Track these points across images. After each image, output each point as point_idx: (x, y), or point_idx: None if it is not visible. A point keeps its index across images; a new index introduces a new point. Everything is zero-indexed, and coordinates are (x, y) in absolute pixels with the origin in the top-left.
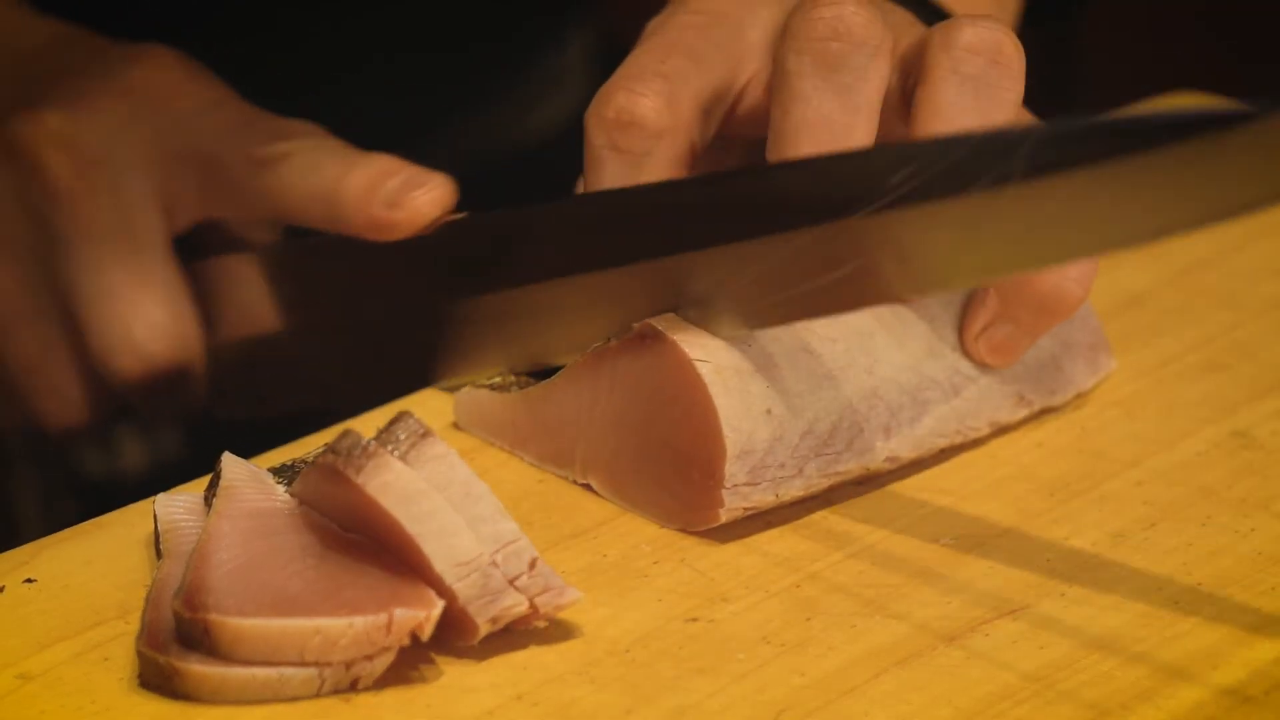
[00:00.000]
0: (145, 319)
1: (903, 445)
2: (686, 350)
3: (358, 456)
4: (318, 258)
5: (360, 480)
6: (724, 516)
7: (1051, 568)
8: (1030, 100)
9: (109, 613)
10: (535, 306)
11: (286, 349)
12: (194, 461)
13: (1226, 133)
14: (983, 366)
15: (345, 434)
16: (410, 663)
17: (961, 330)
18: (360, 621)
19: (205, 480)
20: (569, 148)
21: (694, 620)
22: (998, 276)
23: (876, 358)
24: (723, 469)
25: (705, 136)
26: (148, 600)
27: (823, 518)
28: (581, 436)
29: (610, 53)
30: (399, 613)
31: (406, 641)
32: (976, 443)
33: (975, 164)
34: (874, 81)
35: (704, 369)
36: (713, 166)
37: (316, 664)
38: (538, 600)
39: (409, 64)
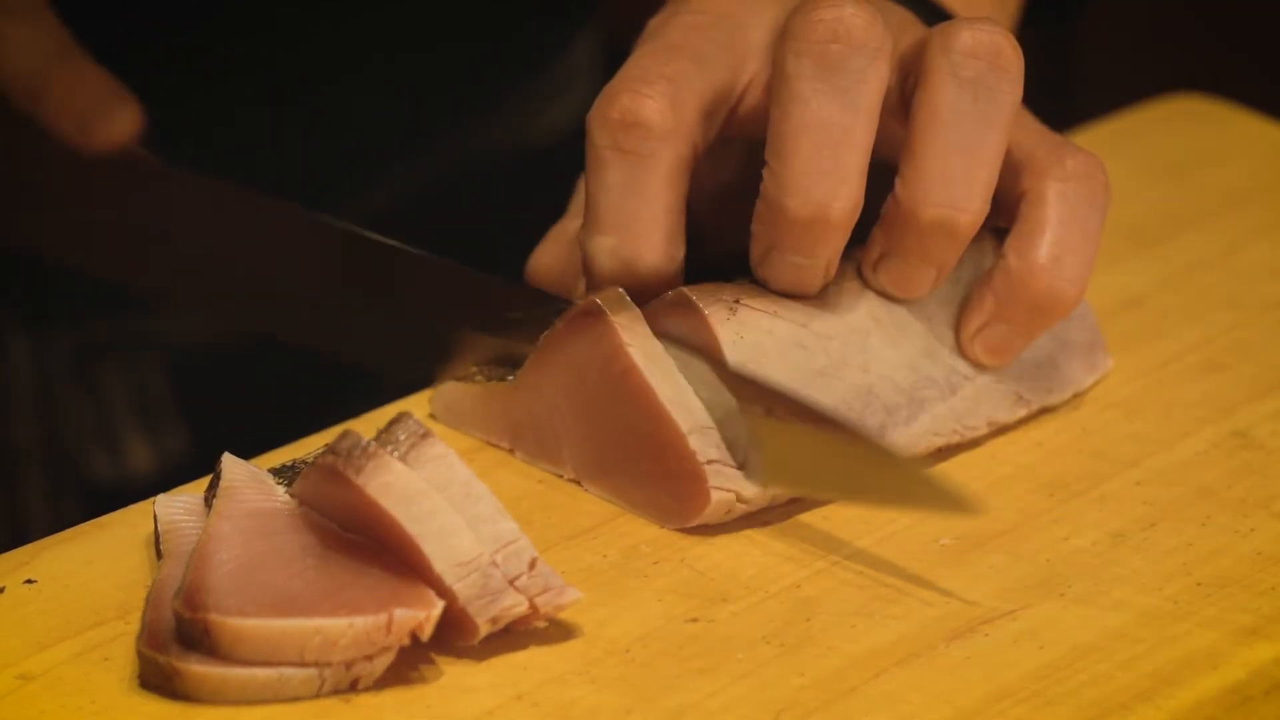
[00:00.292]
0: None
1: (898, 444)
2: (621, 334)
3: (358, 457)
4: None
5: (360, 481)
6: (714, 498)
7: (1051, 568)
8: (1030, 101)
9: (109, 613)
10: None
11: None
12: (194, 462)
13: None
14: (980, 366)
15: (345, 434)
16: (410, 663)
17: (958, 330)
18: (360, 622)
19: (205, 481)
20: (573, 149)
21: (694, 620)
22: None
23: (872, 356)
24: (687, 445)
25: (707, 138)
26: (148, 600)
27: (822, 518)
28: (561, 433)
29: (614, 55)
30: (399, 613)
31: (406, 642)
32: (975, 442)
33: None
34: (874, 84)
35: (634, 353)
36: (712, 167)
37: (316, 664)
38: (538, 600)
39: (412, 65)
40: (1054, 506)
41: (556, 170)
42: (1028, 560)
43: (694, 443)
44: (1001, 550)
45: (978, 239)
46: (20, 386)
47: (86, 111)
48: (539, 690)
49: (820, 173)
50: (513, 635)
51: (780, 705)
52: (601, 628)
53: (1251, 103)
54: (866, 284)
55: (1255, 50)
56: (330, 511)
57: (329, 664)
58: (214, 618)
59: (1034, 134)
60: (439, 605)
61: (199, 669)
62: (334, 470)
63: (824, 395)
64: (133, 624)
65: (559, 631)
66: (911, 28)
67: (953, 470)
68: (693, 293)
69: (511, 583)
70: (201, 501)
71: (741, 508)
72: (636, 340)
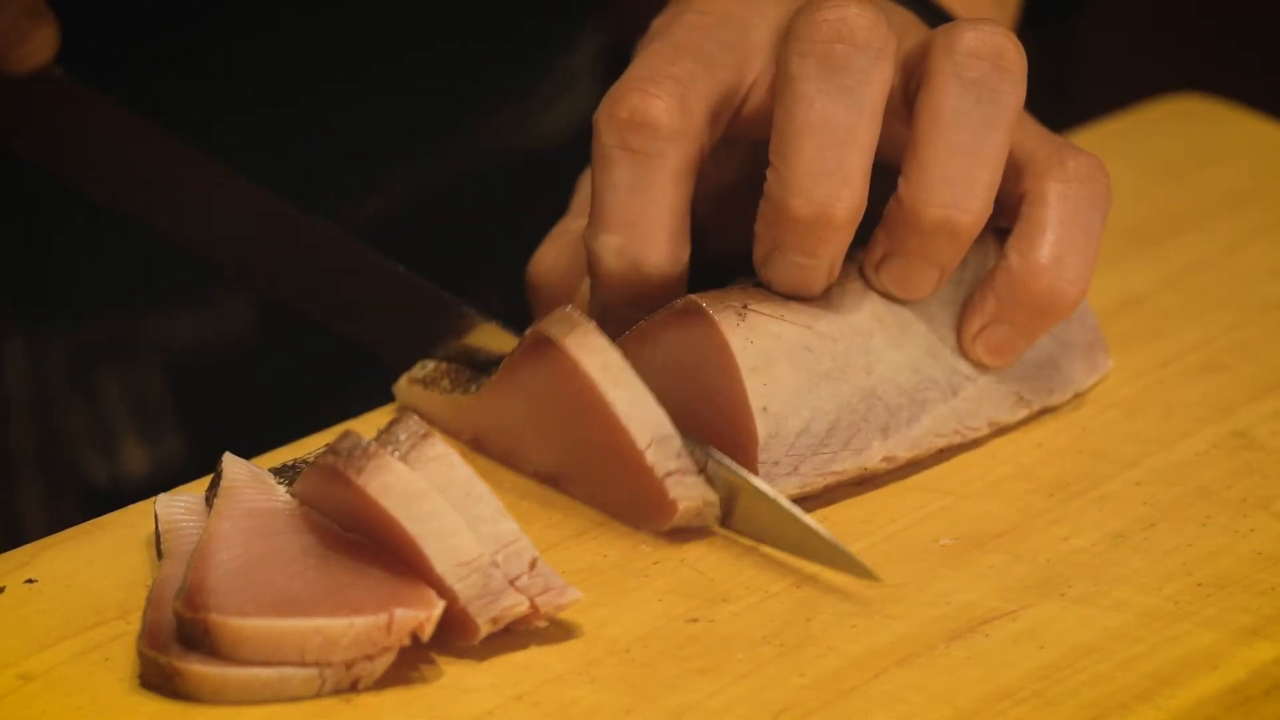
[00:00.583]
0: None
1: (900, 445)
2: (574, 354)
3: (358, 457)
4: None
5: (361, 481)
6: (681, 506)
7: (1051, 568)
8: (1030, 101)
9: (110, 613)
10: None
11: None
12: (191, 465)
13: None
14: (981, 367)
15: (345, 435)
16: (411, 663)
17: (959, 331)
18: (361, 622)
19: (206, 480)
20: (574, 150)
21: (694, 620)
22: None
23: (875, 357)
24: (644, 460)
25: (713, 139)
26: (149, 600)
27: (822, 518)
28: (528, 446)
29: (617, 56)
30: (399, 613)
31: (407, 642)
32: (976, 443)
33: None
34: (877, 84)
35: (590, 369)
36: (714, 168)
37: (317, 664)
38: (538, 600)
39: (413, 66)
40: (1054, 506)
41: (557, 171)
42: (1028, 560)
43: (651, 456)
44: (1001, 550)
45: (979, 240)
46: (16, 389)
47: (4, 32)
48: (539, 690)
49: (824, 173)
50: (513, 635)
51: (780, 705)
52: (601, 628)
53: (1251, 103)
54: (869, 285)
55: (1255, 50)
56: (331, 511)
57: (329, 664)
58: (215, 618)
59: (1035, 135)
60: (439, 605)
61: (200, 669)
62: (334, 470)
63: (829, 398)
64: (133, 624)
65: (559, 631)
66: (914, 29)
67: (953, 470)
68: (702, 299)
69: (512, 583)
70: (202, 501)
71: (714, 510)
72: (593, 355)
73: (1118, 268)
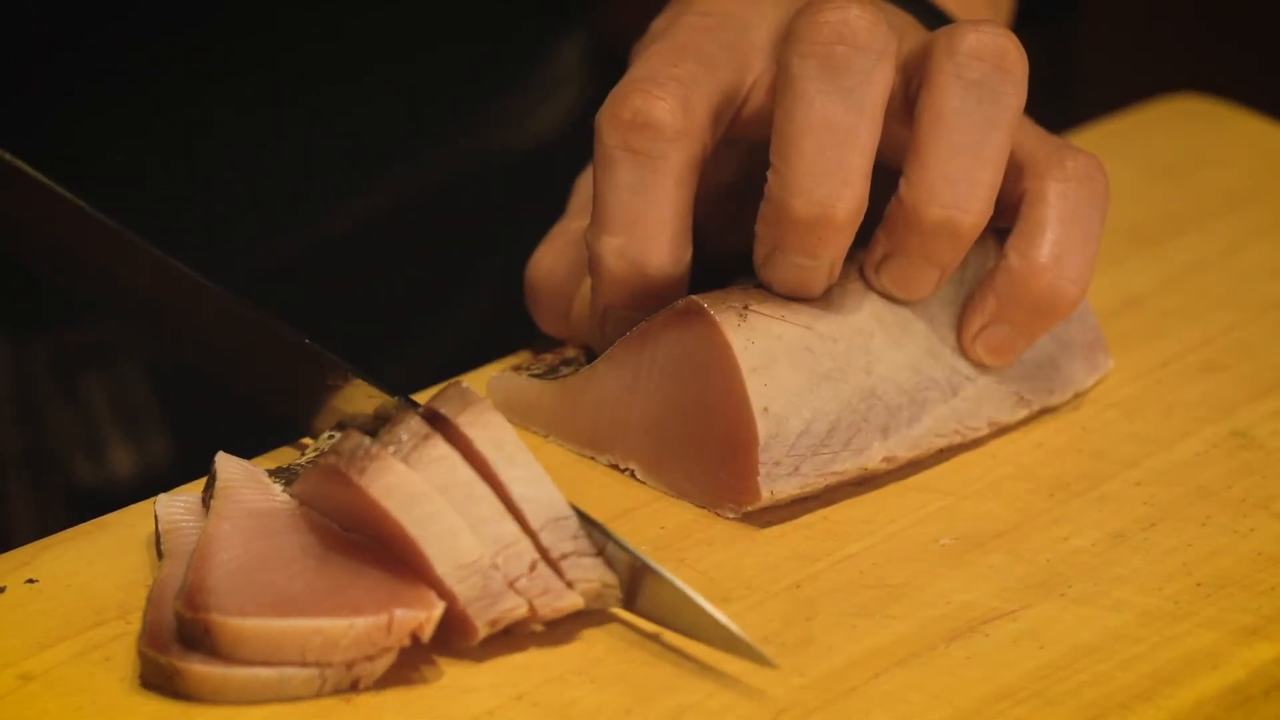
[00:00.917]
0: None
1: (900, 445)
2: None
3: (360, 458)
4: None
5: (363, 482)
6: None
7: (1051, 568)
8: (1030, 101)
9: (110, 613)
10: None
11: None
12: (178, 467)
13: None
14: (981, 367)
15: (347, 435)
16: (411, 663)
17: (959, 331)
18: (361, 622)
19: (202, 481)
20: (565, 151)
21: None
22: None
23: (875, 357)
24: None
25: (715, 140)
26: (149, 600)
27: (822, 517)
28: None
29: (607, 57)
30: (400, 613)
31: (407, 642)
32: (976, 443)
33: None
34: (878, 85)
35: (485, 445)
36: (714, 169)
37: (317, 664)
38: (536, 603)
39: (407, 67)
40: (1054, 506)
41: (545, 172)
42: (1028, 560)
43: (545, 539)
44: (1001, 550)
45: (980, 240)
46: (1, 391)
47: None
48: (539, 690)
49: (824, 173)
50: (513, 635)
51: (780, 705)
52: (601, 627)
53: (1251, 103)
54: (869, 286)
55: (1255, 50)
56: (331, 512)
57: (330, 664)
58: (215, 618)
59: (1033, 136)
60: (440, 606)
61: (200, 669)
62: (336, 470)
63: (829, 398)
64: (134, 624)
65: (559, 632)
66: (914, 31)
67: (953, 470)
68: (703, 300)
69: (511, 585)
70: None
71: (614, 592)
72: (486, 431)
73: (1118, 268)
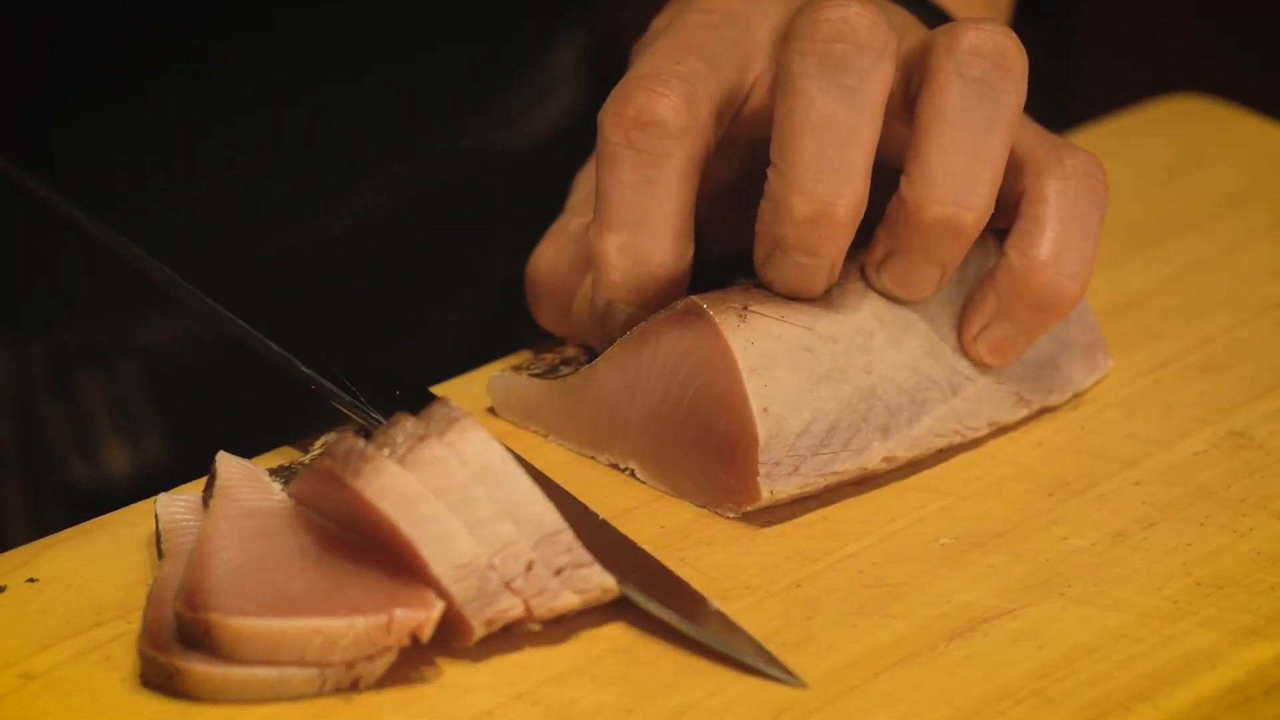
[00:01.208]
0: None
1: (900, 445)
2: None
3: (355, 460)
4: None
5: (358, 484)
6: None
7: (1051, 567)
8: (1030, 100)
9: (110, 612)
10: None
11: None
12: (174, 467)
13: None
14: (981, 366)
15: (342, 437)
16: (411, 662)
17: (960, 330)
18: (361, 622)
19: (202, 481)
20: (564, 150)
21: None
22: None
23: (875, 357)
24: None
25: (717, 138)
26: (149, 600)
27: (822, 517)
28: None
29: (605, 56)
30: (399, 613)
31: (407, 642)
32: (976, 443)
33: None
34: (878, 83)
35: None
36: (717, 168)
37: (318, 664)
38: (532, 603)
39: (406, 67)
40: (1054, 506)
41: (548, 171)
42: (1028, 560)
43: (538, 554)
44: (1001, 550)
45: (980, 241)
46: None
47: None
48: (539, 690)
49: (825, 171)
50: (513, 635)
51: (780, 705)
52: (601, 627)
53: (1251, 103)
54: (870, 285)
55: (1255, 50)
56: (328, 513)
57: (330, 664)
58: (215, 618)
59: (1033, 134)
60: (439, 606)
61: (200, 668)
62: (331, 473)
63: (829, 398)
64: (134, 623)
65: (559, 631)
66: (914, 29)
67: (953, 470)
68: (703, 300)
69: (508, 585)
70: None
71: (614, 595)
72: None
73: (1117, 267)
